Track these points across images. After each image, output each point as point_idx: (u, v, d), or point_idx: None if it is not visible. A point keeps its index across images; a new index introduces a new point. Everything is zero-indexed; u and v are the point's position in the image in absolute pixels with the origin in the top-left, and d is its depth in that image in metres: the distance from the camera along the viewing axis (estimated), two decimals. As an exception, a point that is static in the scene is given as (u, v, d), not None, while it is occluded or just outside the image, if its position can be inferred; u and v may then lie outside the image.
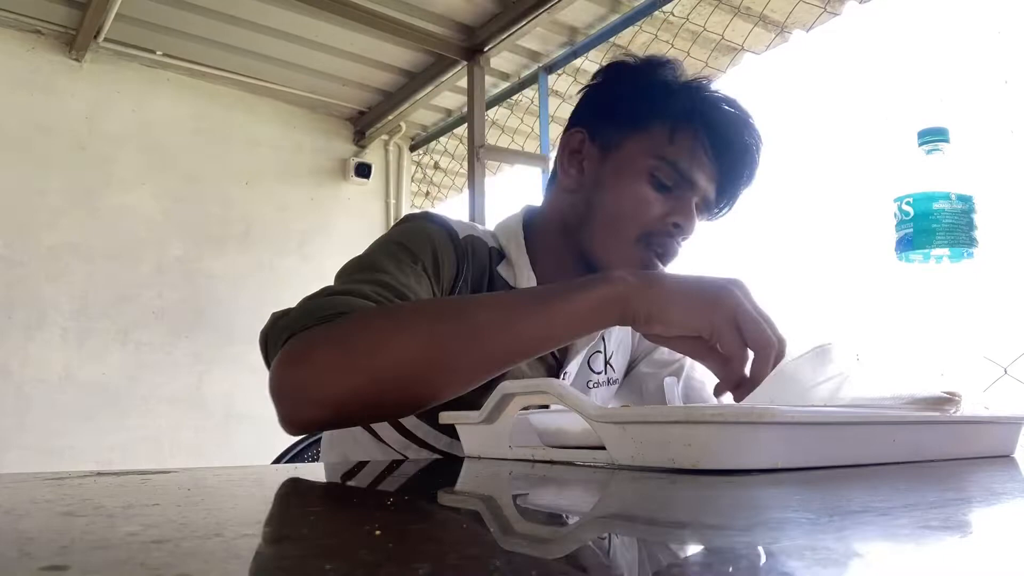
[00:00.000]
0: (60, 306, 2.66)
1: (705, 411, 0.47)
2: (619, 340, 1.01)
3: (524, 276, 0.86)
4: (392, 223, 3.07)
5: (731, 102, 0.87)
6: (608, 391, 1.00)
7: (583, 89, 0.94)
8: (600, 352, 0.98)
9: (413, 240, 0.80)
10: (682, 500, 0.38)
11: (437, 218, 0.86)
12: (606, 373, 0.98)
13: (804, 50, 2.22)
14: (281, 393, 0.61)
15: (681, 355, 1.03)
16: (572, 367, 0.92)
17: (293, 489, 0.50)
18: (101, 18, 2.51)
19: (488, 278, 0.86)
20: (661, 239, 0.84)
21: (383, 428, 0.86)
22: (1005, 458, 0.61)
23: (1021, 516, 0.36)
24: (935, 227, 0.76)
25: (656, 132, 0.85)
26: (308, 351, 0.61)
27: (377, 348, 0.60)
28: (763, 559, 0.24)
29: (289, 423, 0.63)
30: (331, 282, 0.73)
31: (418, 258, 0.78)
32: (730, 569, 0.23)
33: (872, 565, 0.23)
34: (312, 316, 0.63)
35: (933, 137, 0.79)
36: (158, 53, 2.81)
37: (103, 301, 2.74)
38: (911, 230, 0.77)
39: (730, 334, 0.62)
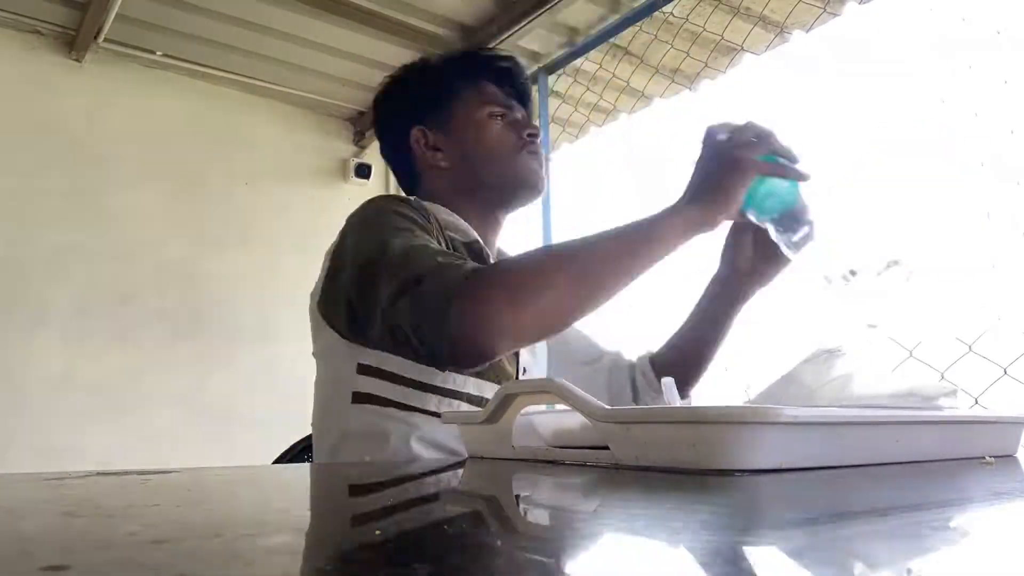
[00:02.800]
0: (60, 306, 2.65)
1: (710, 411, 0.47)
2: None
3: (463, 228, 1.00)
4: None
5: (498, 54, 1.12)
6: None
7: (378, 104, 1.12)
8: None
9: (398, 211, 0.91)
10: (685, 500, 0.38)
11: (391, 196, 1.02)
12: None
13: (804, 50, 2.21)
14: (471, 328, 0.72)
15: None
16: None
17: (293, 489, 0.50)
18: (101, 18, 2.50)
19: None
20: (531, 147, 1.05)
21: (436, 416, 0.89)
22: (1006, 458, 0.61)
23: (1021, 516, 0.36)
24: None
25: (468, 93, 1.06)
26: (489, 296, 0.73)
27: (540, 289, 0.75)
28: (764, 559, 0.24)
29: (472, 353, 0.73)
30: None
31: (416, 221, 0.89)
32: (731, 569, 0.23)
33: (872, 565, 0.23)
34: (456, 281, 0.74)
35: None
36: (158, 53, 2.80)
37: (103, 301, 2.73)
38: (912, 230, 0.77)
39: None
